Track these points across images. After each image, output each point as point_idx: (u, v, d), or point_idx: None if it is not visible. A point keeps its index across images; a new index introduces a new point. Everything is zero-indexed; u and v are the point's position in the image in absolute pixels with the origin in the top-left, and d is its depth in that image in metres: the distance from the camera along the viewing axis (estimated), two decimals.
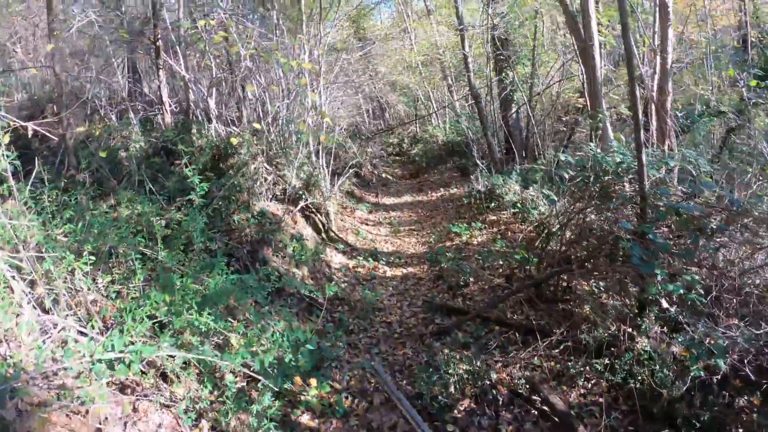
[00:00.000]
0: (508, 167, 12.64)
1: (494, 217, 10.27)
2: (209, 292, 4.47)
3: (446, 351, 5.72)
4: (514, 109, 15.02)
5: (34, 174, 4.43)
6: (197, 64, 10.29)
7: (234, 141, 5.90)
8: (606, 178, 6.00)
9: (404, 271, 8.53)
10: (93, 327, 3.78)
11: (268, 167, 8.77)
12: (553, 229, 7.76)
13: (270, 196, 8.59)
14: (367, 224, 11.47)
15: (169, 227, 5.70)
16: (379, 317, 6.80)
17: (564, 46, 14.15)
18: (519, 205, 9.91)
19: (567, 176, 6.12)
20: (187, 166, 6.39)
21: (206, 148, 8.09)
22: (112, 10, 9.55)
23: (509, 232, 9.49)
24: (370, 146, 18.50)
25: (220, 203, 7.32)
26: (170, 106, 9.61)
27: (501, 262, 8.08)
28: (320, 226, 9.23)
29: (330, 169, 10.31)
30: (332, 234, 9.48)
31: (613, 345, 5.44)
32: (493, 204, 10.57)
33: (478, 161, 12.63)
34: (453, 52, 19.68)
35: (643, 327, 5.31)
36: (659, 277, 4.78)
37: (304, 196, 8.76)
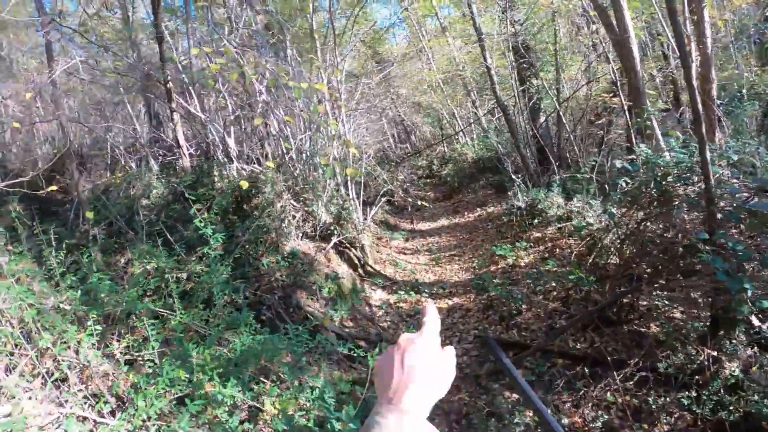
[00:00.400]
0: (544, 179, 12.02)
1: (539, 234, 9.61)
2: (235, 355, 3.96)
3: (507, 394, 5.11)
4: (543, 118, 14.43)
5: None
6: (214, 103, 10.00)
7: (244, 185, 5.44)
8: (666, 181, 5.37)
9: (449, 302, 7.92)
10: (104, 405, 3.31)
11: (295, 204, 8.33)
12: (607, 242, 7.13)
13: (300, 235, 8.14)
14: (404, 254, 10.92)
15: (190, 280, 5.26)
16: None
17: (587, 47, 13.60)
18: (565, 219, 9.26)
19: (624, 184, 5.48)
20: (201, 213, 5.98)
21: (227, 190, 7.68)
22: (121, 56, 9.30)
23: (557, 249, 8.83)
24: (399, 171, 18.04)
25: (247, 247, 6.89)
26: (188, 149, 9.28)
27: (554, 284, 7.43)
28: (356, 261, 8.72)
29: (361, 199, 9.82)
30: (369, 268, 8.95)
31: (696, 372, 4.78)
32: (536, 220, 9.92)
33: (513, 176, 12.02)
34: (473, 66, 19.28)
35: (729, 349, 4.65)
36: (749, 292, 4.11)
37: (336, 232, 8.28)
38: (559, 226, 9.32)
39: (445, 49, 20.84)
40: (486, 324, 6.91)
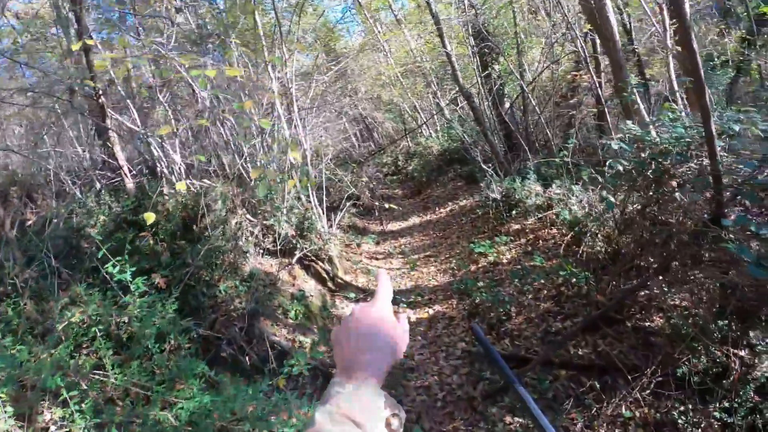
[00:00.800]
0: (515, 166, 11.44)
1: (518, 226, 8.98)
2: (180, 423, 3.18)
3: (508, 419, 4.43)
4: (507, 104, 13.89)
5: None
6: (161, 116, 9.11)
7: (182, 200, 4.66)
8: (666, 160, 4.74)
9: (430, 311, 7.21)
10: None
11: (252, 219, 7.55)
12: (600, 232, 6.52)
13: (261, 252, 7.37)
14: (376, 259, 10.19)
15: (131, 324, 4.45)
16: (413, 381, 5.48)
17: (549, 26, 13.09)
18: (545, 208, 8.65)
19: (620, 167, 4.83)
20: (144, 240, 5.17)
21: (174, 212, 6.84)
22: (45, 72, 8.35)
23: (540, 242, 8.20)
24: (364, 171, 17.29)
25: (200, 274, 6.08)
26: (130, 170, 8.38)
27: (543, 282, 6.79)
28: (324, 274, 7.96)
29: (324, 206, 9.05)
30: (339, 280, 8.20)
31: (720, 375, 4.17)
32: (513, 211, 9.27)
33: (483, 166, 11.39)
34: (432, 55, 18.72)
35: (762, 347, 4.06)
36: None
37: (299, 245, 7.51)
38: (539, 216, 8.68)
39: (401, 41, 20.21)
40: (473, 335, 6.22)
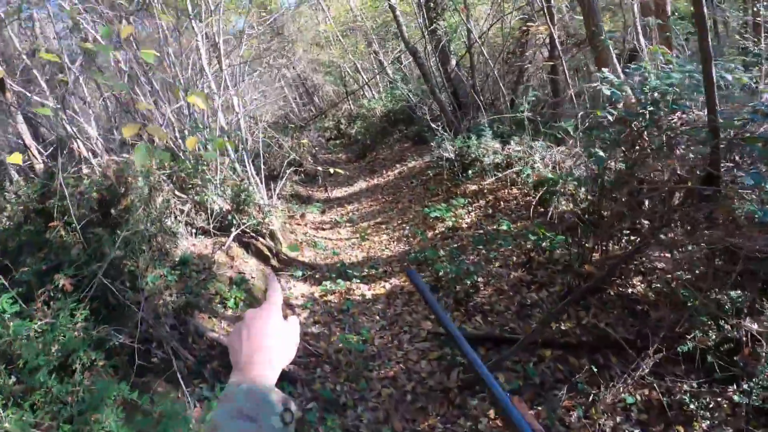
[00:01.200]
0: (464, 124, 10.76)
1: (475, 187, 8.30)
2: None
3: (492, 413, 3.77)
4: (454, 61, 13.16)
5: None
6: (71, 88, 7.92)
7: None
8: (658, 110, 4.08)
9: (387, 285, 6.48)
10: None
11: (181, 195, 6.59)
12: (570, 190, 5.91)
13: (194, 232, 6.46)
14: (323, 229, 9.37)
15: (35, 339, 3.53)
16: (375, 371, 4.75)
17: None
18: (504, 167, 8.00)
19: (611, 118, 4.14)
20: (56, 230, 4.24)
21: (85, 195, 5.79)
22: None
23: (501, 203, 7.57)
24: (305, 136, 16.31)
25: (124, 264, 5.13)
26: (40, 151, 7.23)
27: (510, 248, 6.15)
28: (266, 251, 7.10)
29: (263, 175, 8.12)
30: (284, 256, 7.37)
31: (733, 352, 3.62)
32: (470, 171, 8.57)
33: (432, 125, 10.63)
34: (373, 13, 17.84)
35: None
36: None
37: (236, 221, 6.61)
38: (498, 175, 8.02)
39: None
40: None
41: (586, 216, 5.17)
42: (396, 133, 15.76)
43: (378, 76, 19.85)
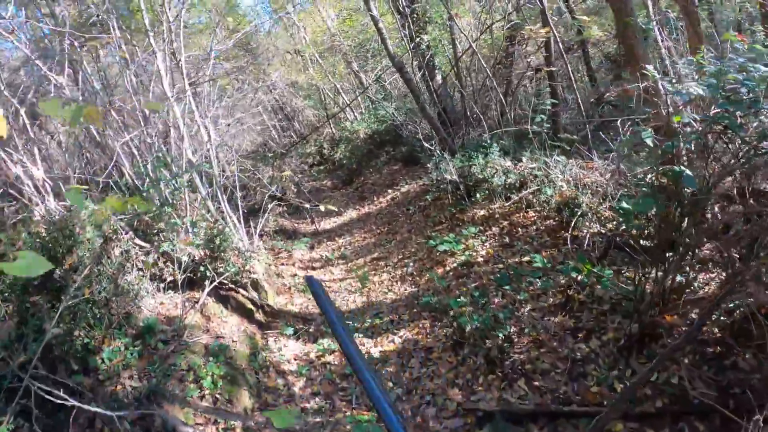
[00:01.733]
0: (458, 141, 9.85)
1: (484, 212, 7.29)
2: None
3: None
4: (440, 76, 12.34)
5: None
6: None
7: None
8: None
9: (396, 340, 5.40)
10: None
11: (143, 244, 5.52)
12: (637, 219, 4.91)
13: (161, 288, 5.37)
14: (313, 268, 8.31)
15: None
16: None
17: None
18: (518, 187, 7.00)
19: (695, 125, 3.14)
20: None
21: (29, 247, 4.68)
22: None
23: (518, 230, 6.55)
24: (286, 165, 15.27)
25: (75, 337, 4.05)
26: None
27: (538, 282, 5.14)
28: (249, 305, 6.01)
29: (241, 212, 7.05)
30: (270, 308, 6.29)
31: None
32: (478, 194, 7.54)
33: (426, 144, 9.67)
34: (352, 31, 17.00)
35: None
36: None
37: (209, 272, 5.52)
38: (511, 197, 7.03)
39: (318, 21, 18.53)
40: (467, 374, 4.42)
41: (643, 242, 4.15)
42: (383, 155, 14.78)
43: (359, 97, 18.92)
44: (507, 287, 5.23)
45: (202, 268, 5.66)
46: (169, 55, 6.14)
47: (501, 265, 5.90)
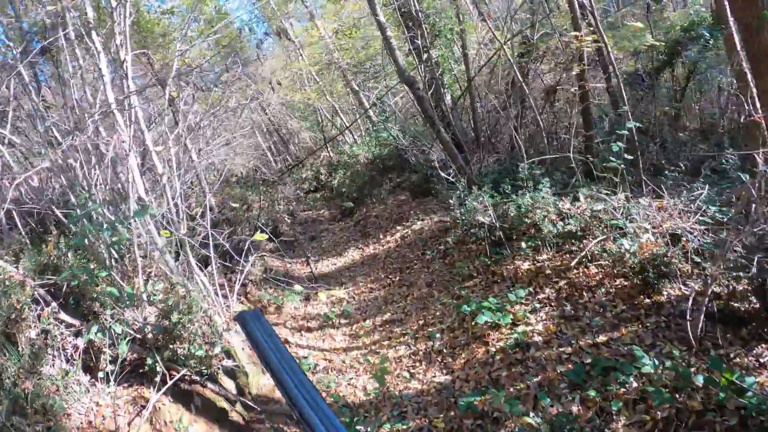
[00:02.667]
0: (474, 169, 8.33)
1: (528, 266, 5.66)
2: None
3: None
4: (449, 96, 11.14)
5: None
6: None
7: None
8: None
9: None
10: None
11: (71, 321, 3.90)
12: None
13: (102, 378, 3.75)
14: (308, 330, 6.62)
15: None
16: None
17: None
18: (578, 236, 5.37)
19: None
20: None
21: None
22: None
23: (581, 293, 4.93)
24: (280, 193, 13.67)
25: None
26: None
27: (631, 381, 3.53)
28: (222, 402, 4.33)
29: (215, 265, 5.38)
30: (252, 397, 4.61)
31: None
32: (526, 244, 5.85)
33: (443, 174, 8.09)
34: (353, 46, 15.64)
35: None
36: None
37: (160, 367, 3.85)
38: (562, 245, 5.41)
39: (315, 38, 17.47)
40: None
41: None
42: (386, 182, 13.17)
43: (359, 120, 17.42)
44: (594, 393, 3.59)
45: (158, 346, 4.03)
46: (113, 54, 4.53)
47: (569, 349, 4.27)
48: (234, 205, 9.66)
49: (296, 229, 12.41)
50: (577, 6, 7.10)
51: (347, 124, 17.73)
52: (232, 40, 14.92)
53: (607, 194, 5.49)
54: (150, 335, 4.05)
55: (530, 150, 8.15)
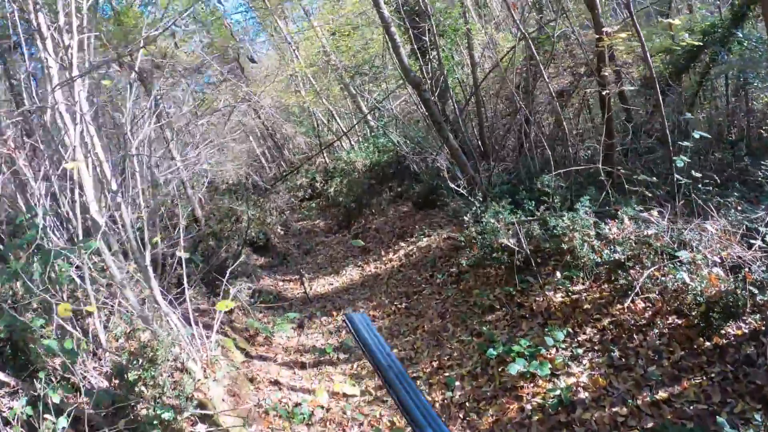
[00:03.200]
0: (483, 180, 7.52)
1: (562, 297, 4.83)
2: None
3: None
4: (455, 99, 10.38)
5: None
6: None
7: None
8: None
9: None
10: None
11: (6, 379, 3.05)
12: None
13: None
14: (302, 367, 5.75)
15: None
16: None
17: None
18: (627, 266, 4.51)
19: None
20: None
21: None
22: None
23: (630, 334, 4.09)
24: (272, 200, 12.81)
25: None
26: None
27: None
28: None
29: (188, 297, 4.52)
30: None
31: None
32: (559, 273, 4.99)
33: (453, 185, 7.28)
34: (351, 47, 14.82)
35: None
36: None
37: None
38: (603, 275, 4.58)
39: (311, 39, 16.98)
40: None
41: None
42: (386, 191, 12.33)
43: (358, 125, 16.60)
44: None
45: (111, 412, 3.17)
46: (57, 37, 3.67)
47: (624, 409, 3.44)
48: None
49: (289, 242, 11.57)
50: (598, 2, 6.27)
51: (344, 129, 16.91)
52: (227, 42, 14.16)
53: (651, 214, 4.66)
54: (106, 383, 3.19)
55: (543, 159, 7.38)
